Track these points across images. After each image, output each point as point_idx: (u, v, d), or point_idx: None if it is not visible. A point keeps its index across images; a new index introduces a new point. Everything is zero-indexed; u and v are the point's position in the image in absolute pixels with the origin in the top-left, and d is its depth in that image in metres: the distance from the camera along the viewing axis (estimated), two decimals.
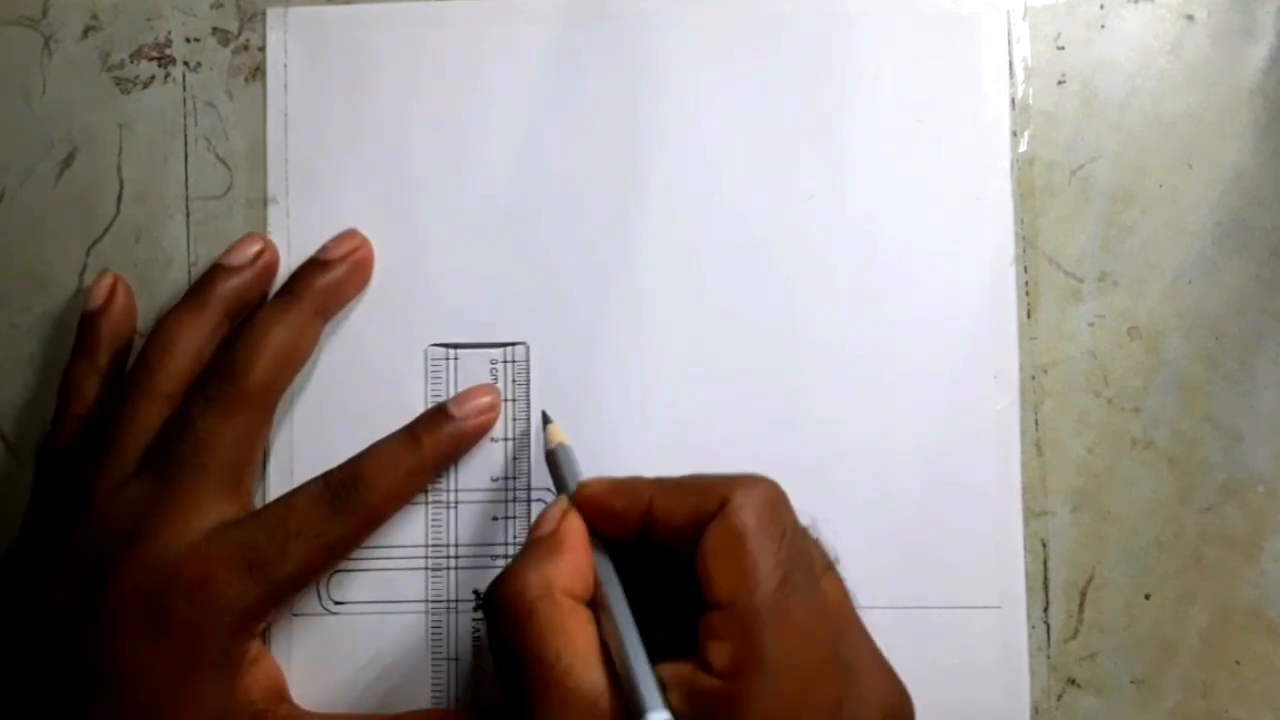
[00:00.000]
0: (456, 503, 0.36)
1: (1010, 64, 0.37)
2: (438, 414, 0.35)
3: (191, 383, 0.34)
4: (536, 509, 0.36)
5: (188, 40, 0.38)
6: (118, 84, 0.38)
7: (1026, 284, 0.36)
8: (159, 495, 0.33)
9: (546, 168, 0.37)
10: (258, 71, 0.38)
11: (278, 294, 0.36)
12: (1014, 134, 0.37)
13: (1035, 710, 0.35)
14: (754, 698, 0.26)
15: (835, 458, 0.36)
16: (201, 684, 0.32)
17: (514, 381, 0.36)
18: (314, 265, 0.36)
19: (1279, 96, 0.37)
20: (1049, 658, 0.35)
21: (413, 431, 0.35)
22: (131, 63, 0.38)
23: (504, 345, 0.36)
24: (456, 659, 0.35)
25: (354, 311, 0.37)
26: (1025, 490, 0.36)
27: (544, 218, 0.37)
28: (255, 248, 0.36)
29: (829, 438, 0.36)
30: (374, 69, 0.37)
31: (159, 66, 0.38)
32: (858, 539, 0.35)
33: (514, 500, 0.36)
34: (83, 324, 0.36)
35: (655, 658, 0.28)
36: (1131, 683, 0.35)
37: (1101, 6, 0.37)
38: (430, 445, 0.34)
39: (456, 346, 0.36)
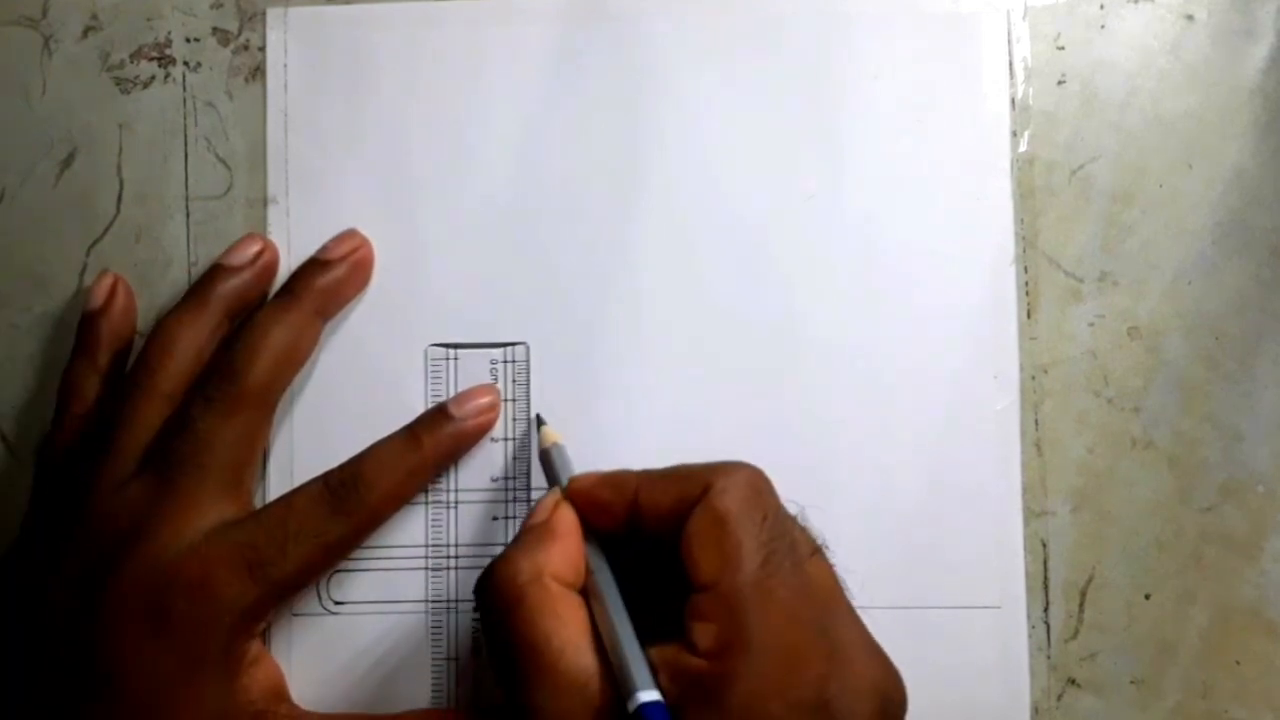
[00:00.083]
0: (456, 503, 0.36)
1: (1010, 64, 0.37)
2: (438, 414, 0.35)
3: (191, 383, 0.34)
4: None
5: (188, 40, 0.38)
6: (118, 84, 0.38)
7: (1026, 284, 0.36)
8: (159, 495, 0.33)
9: (546, 168, 0.37)
10: (258, 71, 0.38)
11: (278, 294, 0.36)
12: (1014, 134, 0.37)
13: (1035, 710, 0.35)
14: (738, 677, 0.26)
15: (835, 458, 0.36)
16: (201, 684, 0.32)
17: (514, 381, 0.36)
18: (314, 265, 0.36)
19: (1279, 96, 0.37)
20: (1049, 658, 0.35)
21: (413, 432, 0.35)
22: (131, 63, 0.38)
23: (504, 345, 0.36)
24: (456, 659, 0.35)
25: (354, 311, 0.37)
26: (1025, 490, 0.36)
27: (544, 218, 0.37)
28: (255, 248, 0.36)
29: (829, 438, 0.36)
30: (374, 69, 0.37)
31: (159, 66, 0.38)
32: (858, 539, 0.35)
33: (514, 500, 0.36)
34: (83, 324, 0.36)
35: (645, 643, 0.28)
36: (1131, 683, 0.35)
37: (1101, 6, 0.37)
38: (430, 445, 0.35)
39: (456, 346, 0.36)
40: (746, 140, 0.37)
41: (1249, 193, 0.36)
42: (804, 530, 0.29)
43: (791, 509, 0.30)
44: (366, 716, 0.35)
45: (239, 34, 0.38)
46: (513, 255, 0.37)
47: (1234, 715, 0.35)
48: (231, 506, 0.33)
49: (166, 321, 0.35)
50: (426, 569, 0.36)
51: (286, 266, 0.37)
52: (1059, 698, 0.35)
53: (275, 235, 0.37)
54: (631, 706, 0.27)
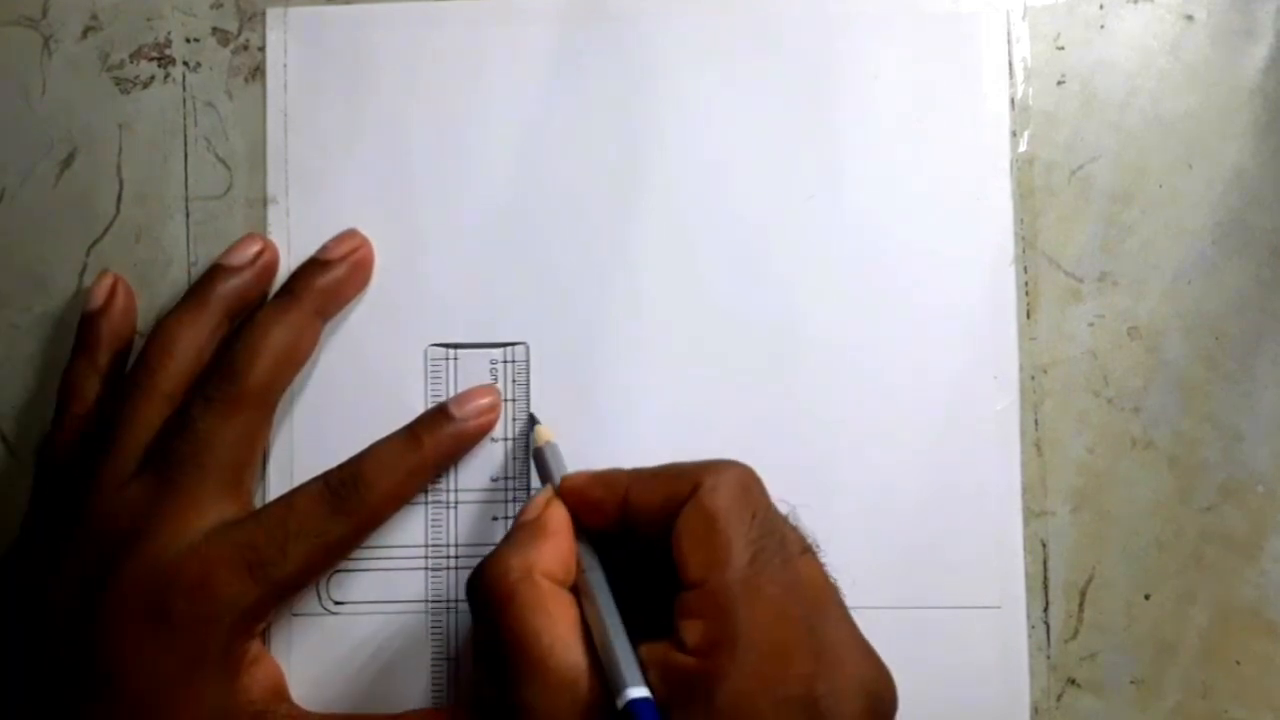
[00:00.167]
0: (456, 503, 0.36)
1: (1010, 64, 0.37)
2: (438, 414, 0.35)
3: (191, 383, 0.34)
4: None
5: (188, 40, 0.38)
6: (118, 84, 0.38)
7: (1026, 284, 0.36)
8: (159, 495, 0.33)
9: (546, 167, 0.37)
10: (258, 71, 0.38)
11: (278, 294, 0.36)
12: (1014, 134, 0.37)
13: (1035, 710, 0.35)
14: (726, 674, 0.26)
15: (835, 457, 0.36)
16: (202, 684, 0.32)
17: (514, 381, 0.36)
18: (314, 265, 0.36)
19: (1279, 96, 0.37)
20: (1049, 658, 0.35)
21: (413, 431, 0.35)
22: (131, 63, 0.38)
23: (504, 345, 0.36)
24: (456, 659, 0.35)
25: (354, 311, 0.37)
26: (1025, 490, 0.36)
27: (544, 218, 0.37)
28: (255, 248, 0.36)
29: (829, 437, 0.36)
30: (374, 69, 0.37)
31: (159, 66, 0.38)
32: (858, 539, 0.35)
33: (514, 500, 0.36)
34: (83, 324, 0.36)
35: (636, 641, 0.28)
36: (1131, 683, 0.35)
37: (1101, 6, 0.37)
38: (431, 445, 0.35)
39: (456, 346, 0.36)
40: (747, 140, 0.37)
41: (1249, 193, 0.36)
42: (795, 529, 0.29)
43: (783, 508, 0.30)
44: (366, 716, 0.35)
45: (239, 34, 0.38)
46: (513, 255, 0.37)
47: (1234, 715, 0.35)
48: (232, 506, 0.33)
49: (166, 321, 0.35)
50: (426, 569, 0.36)
51: (286, 266, 0.37)
52: (1059, 698, 0.35)
53: (275, 235, 0.37)
54: (620, 703, 0.27)
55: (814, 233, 0.36)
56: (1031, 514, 0.36)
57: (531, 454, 0.35)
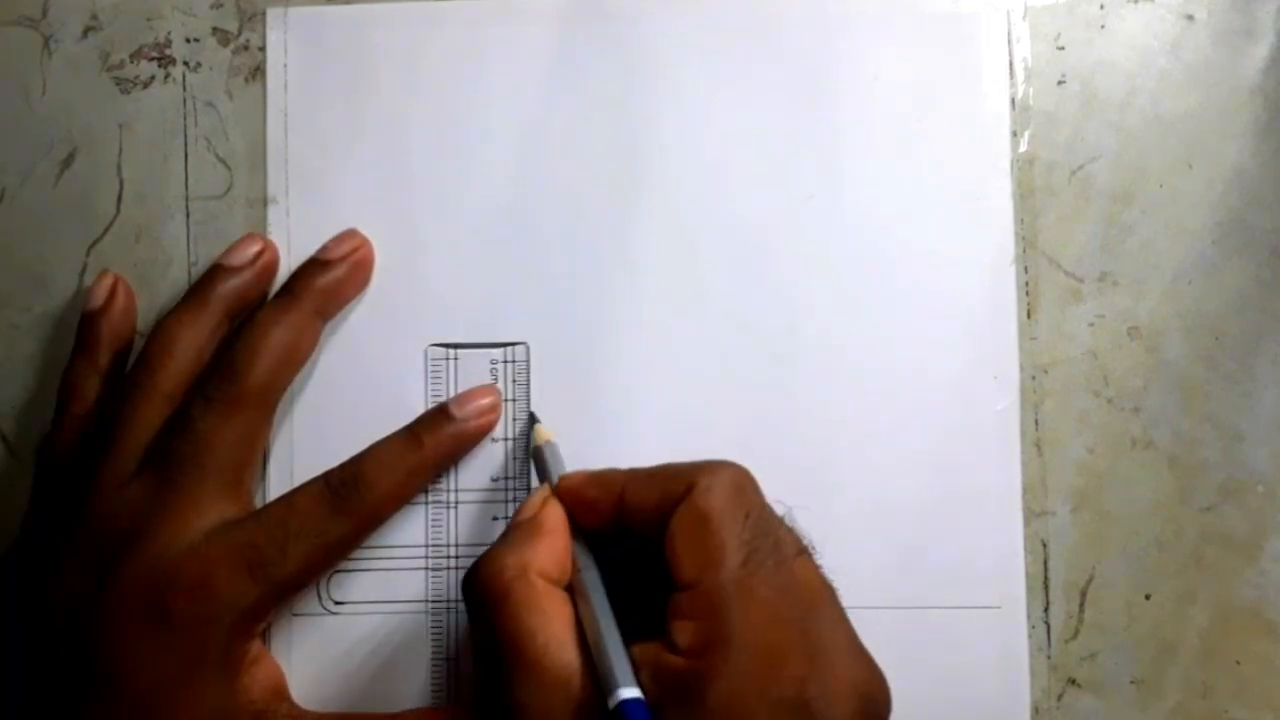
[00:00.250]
0: (456, 503, 0.36)
1: (1010, 64, 0.37)
2: (439, 414, 0.35)
3: (192, 383, 0.34)
4: None
5: (188, 40, 0.38)
6: (118, 84, 0.38)
7: (1026, 284, 0.36)
8: (159, 495, 0.33)
9: (546, 167, 0.37)
10: (258, 71, 0.38)
11: (278, 294, 0.36)
12: (1014, 134, 0.37)
13: (1035, 710, 0.35)
14: (718, 675, 0.26)
15: (835, 458, 0.36)
16: (202, 684, 0.32)
17: (514, 381, 0.36)
18: (314, 265, 0.36)
19: (1279, 96, 0.37)
20: (1049, 658, 0.35)
21: (414, 432, 0.35)
22: (131, 63, 0.38)
23: (504, 345, 0.36)
24: (456, 659, 0.35)
25: (354, 311, 0.37)
26: (1025, 490, 0.36)
27: (544, 218, 0.37)
28: (255, 248, 0.36)
29: (829, 438, 0.36)
30: (374, 69, 0.37)
31: (159, 66, 0.38)
32: (858, 539, 0.35)
33: (514, 500, 0.36)
34: (83, 324, 0.36)
35: (629, 641, 0.28)
36: (1131, 683, 0.35)
37: (1101, 6, 0.37)
38: (431, 445, 0.35)
39: (456, 346, 0.36)
40: (746, 140, 0.37)
41: (1249, 193, 0.36)
42: (790, 531, 0.29)
43: (779, 510, 0.29)
44: (366, 716, 0.35)
45: (239, 34, 0.38)
46: (513, 255, 0.37)
47: (1234, 715, 0.35)
48: (232, 506, 0.33)
49: (166, 321, 0.35)
50: (426, 569, 0.36)
51: (286, 266, 0.37)
52: (1059, 698, 0.35)
53: (275, 235, 0.37)
54: (612, 704, 0.27)
55: (814, 233, 0.36)
56: (1032, 514, 0.36)
57: (531, 453, 0.35)
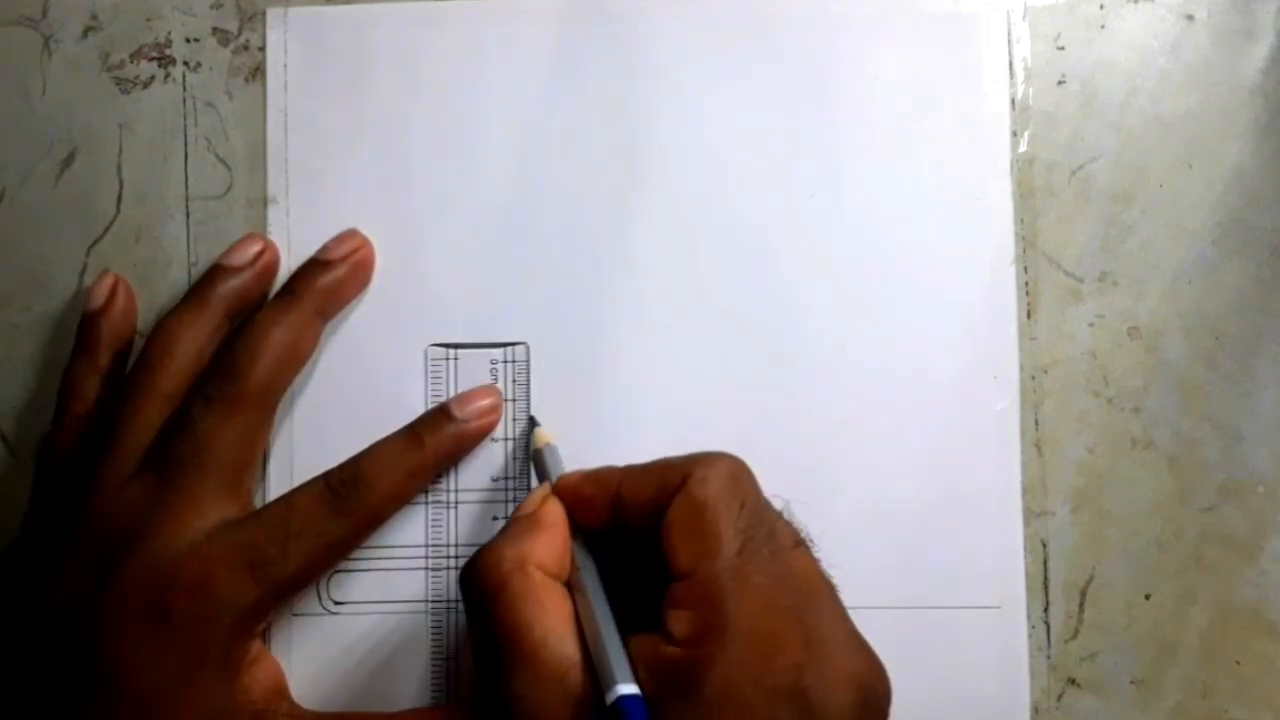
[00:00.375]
0: (456, 503, 0.36)
1: (1010, 64, 0.37)
2: (439, 414, 0.35)
3: (192, 383, 0.34)
4: None
5: (188, 40, 0.38)
6: (118, 84, 0.38)
7: (1026, 284, 0.36)
8: (159, 495, 0.33)
9: (546, 167, 0.37)
10: (258, 71, 0.38)
11: (278, 294, 0.36)
12: (1014, 134, 0.37)
13: (1035, 710, 0.35)
14: (713, 664, 0.26)
15: (835, 457, 0.36)
16: (202, 683, 0.32)
17: (514, 381, 0.36)
18: (314, 265, 0.36)
19: (1279, 96, 0.37)
20: (1049, 658, 0.35)
21: (414, 432, 0.35)
22: (131, 63, 0.38)
23: (504, 345, 0.36)
24: (456, 659, 0.35)
25: (354, 311, 0.37)
26: (1025, 490, 0.36)
27: (544, 217, 0.37)
28: (255, 248, 0.36)
29: (829, 437, 0.36)
30: (374, 69, 0.37)
31: (159, 66, 0.38)
32: (858, 539, 0.35)
33: (514, 500, 0.36)
34: (83, 324, 0.36)
35: (627, 637, 0.28)
36: (1131, 683, 0.35)
37: (1101, 6, 0.37)
38: (432, 446, 0.35)
39: (456, 346, 0.36)
40: (746, 140, 0.37)
41: (1249, 193, 0.36)
42: (787, 523, 0.29)
43: (777, 503, 0.30)
44: (366, 715, 0.35)
45: (239, 34, 0.38)
46: (513, 255, 0.37)
47: (1234, 715, 0.35)
48: (232, 506, 0.33)
49: (167, 321, 0.35)
50: (426, 569, 0.36)
51: (286, 266, 0.37)
52: (1059, 698, 0.35)
53: (275, 235, 0.37)
54: (610, 699, 0.27)
55: (814, 233, 0.36)
56: (1031, 514, 0.36)
57: (531, 456, 0.35)
